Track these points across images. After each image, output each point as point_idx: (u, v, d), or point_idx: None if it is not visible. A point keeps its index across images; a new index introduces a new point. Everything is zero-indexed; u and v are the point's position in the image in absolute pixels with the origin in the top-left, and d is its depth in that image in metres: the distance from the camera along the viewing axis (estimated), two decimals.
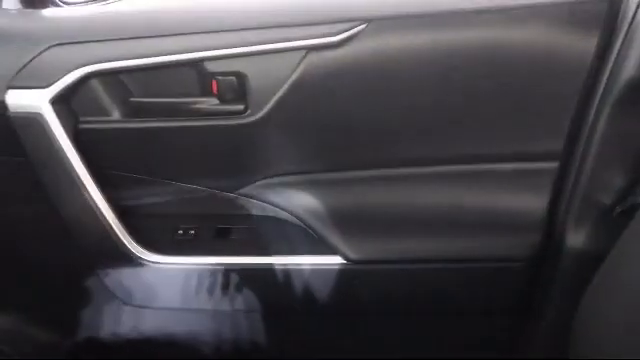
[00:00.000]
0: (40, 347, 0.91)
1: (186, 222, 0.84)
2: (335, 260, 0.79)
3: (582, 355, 0.70)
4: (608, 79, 0.72)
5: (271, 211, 0.84)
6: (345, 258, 0.79)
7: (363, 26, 0.72)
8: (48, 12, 0.85)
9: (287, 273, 0.80)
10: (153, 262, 0.79)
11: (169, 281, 0.81)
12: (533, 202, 0.80)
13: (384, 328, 0.85)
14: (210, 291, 0.82)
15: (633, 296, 0.61)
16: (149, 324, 0.90)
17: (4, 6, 0.86)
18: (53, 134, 0.74)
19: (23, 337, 0.90)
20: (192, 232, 0.83)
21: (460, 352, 0.88)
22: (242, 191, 0.84)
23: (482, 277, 0.81)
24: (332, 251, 0.80)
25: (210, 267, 0.80)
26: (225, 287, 0.81)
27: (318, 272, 0.80)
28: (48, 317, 0.93)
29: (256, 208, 0.84)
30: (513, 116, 0.77)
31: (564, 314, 0.74)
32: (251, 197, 0.85)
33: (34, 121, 0.73)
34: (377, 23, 0.72)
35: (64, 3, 0.89)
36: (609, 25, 0.72)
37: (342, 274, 0.79)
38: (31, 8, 0.86)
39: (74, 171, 0.75)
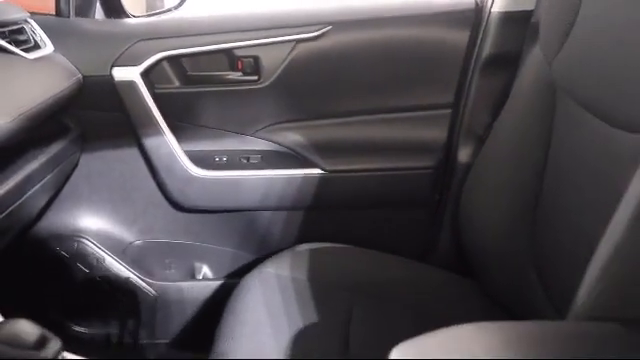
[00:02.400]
0: None
1: (220, 154, 1.30)
2: (316, 171, 1.26)
3: (467, 228, 1.15)
4: (477, 55, 1.20)
5: (274, 146, 1.31)
6: (322, 169, 1.26)
7: (329, 27, 1.19)
8: (128, 20, 1.31)
9: (286, 180, 1.27)
10: (202, 176, 1.26)
11: (213, 188, 1.27)
12: (437, 134, 1.26)
13: (347, 216, 1.32)
14: (235, 194, 1.28)
15: (490, 190, 1.07)
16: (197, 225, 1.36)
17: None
18: (142, 94, 1.19)
19: None
20: (225, 159, 1.29)
21: (395, 232, 1.34)
22: (256, 134, 1.30)
23: (406, 181, 1.27)
24: (314, 166, 1.27)
25: (236, 178, 1.27)
26: (246, 191, 1.27)
27: (305, 179, 1.26)
28: None
29: (265, 144, 1.31)
30: (422, 82, 1.24)
31: (457, 205, 1.21)
32: (261, 137, 1.31)
33: (130, 86, 1.19)
34: (337, 25, 1.19)
35: (133, 16, 1.36)
36: (476, 22, 1.19)
37: (320, 180, 1.26)
38: (113, 18, 1.33)
39: (154, 118, 1.21)
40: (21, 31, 1.10)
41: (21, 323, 0.59)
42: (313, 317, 0.98)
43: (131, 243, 1.36)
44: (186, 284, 1.34)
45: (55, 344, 0.58)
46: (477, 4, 1.20)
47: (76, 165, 1.25)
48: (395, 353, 0.54)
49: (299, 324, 0.96)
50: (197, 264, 1.38)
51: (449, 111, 1.26)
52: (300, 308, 1.00)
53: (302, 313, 0.98)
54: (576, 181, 0.84)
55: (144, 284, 1.32)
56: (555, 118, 0.92)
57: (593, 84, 0.81)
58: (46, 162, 1.06)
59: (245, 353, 0.90)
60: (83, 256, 1.30)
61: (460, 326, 0.56)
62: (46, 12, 1.24)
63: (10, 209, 0.96)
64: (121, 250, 1.34)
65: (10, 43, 1.03)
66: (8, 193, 0.94)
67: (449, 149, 1.26)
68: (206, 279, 1.37)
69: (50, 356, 0.56)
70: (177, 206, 1.32)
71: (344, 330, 0.96)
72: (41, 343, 0.57)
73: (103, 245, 1.31)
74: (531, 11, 1.11)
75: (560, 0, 0.91)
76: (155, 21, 1.31)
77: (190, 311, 1.33)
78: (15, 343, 0.55)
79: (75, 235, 1.30)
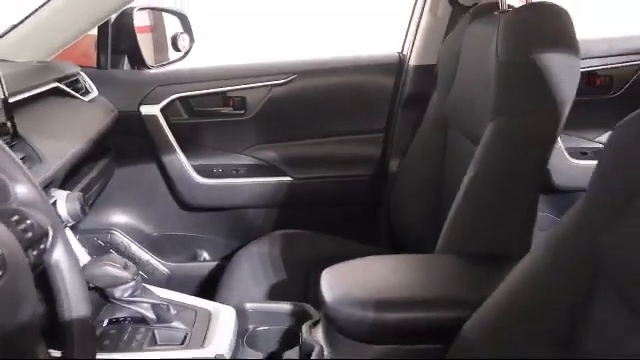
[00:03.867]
0: None
1: (217, 167, 1.76)
2: (287, 178, 1.74)
3: (396, 216, 1.63)
4: (400, 94, 1.69)
5: (256, 160, 1.78)
6: (291, 177, 1.73)
7: (294, 76, 1.68)
8: (149, 71, 1.79)
9: (265, 185, 1.74)
10: (204, 183, 1.73)
11: (212, 192, 1.74)
12: (374, 151, 1.75)
13: (309, 210, 1.78)
14: (228, 196, 1.75)
15: (410, 189, 1.54)
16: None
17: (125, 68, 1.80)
18: (161, 125, 1.66)
19: None
20: (221, 170, 1.75)
21: (345, 222, 1.80)
22: (243, 152, 1.77)
23: (352, 185, 1.75)
24: (285, 175, 1.74)
25: (229, 184, 1.74)
26: (236, 193, 1.74)
27: (279, 184, 1.74)
28: None
29: (249, 159, 1.78)
30: (361, 113, 1.73)
31: (389, 202, 1.68)
32: (247, 154, 1.78)
33: (153, 119, 1.66)
34: (300, 74, 1.68)
35: (150, 66, 1.83)
36: (399, 71, 1.68)
37: (290, 185, 1.74)
38: (137, 67, 1.80)
39: (170, 141, 1.68)
40: (77, 80, 1.56)
41: (107, 258, 1.04)
42: (283, 276, 1.44)
43: (150, 234, 1.82)
44: (191, 264, 1.80)
45: (133, 267, 1.03)
46: (400, 58, 1.70)
47: (111, 176, 1.71)
48: (324, 274, 1.01)
49: (272, 280, 1.42)
50: (199, 250, 1.84)
51: (382, 135, 1.74)
52: (274, 271, 1.46)
53: (275, 274, 1.44)
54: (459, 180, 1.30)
55: (159, 265, 1.77)
56: (447, 141, 1.40)
57: (464, 115, 1.29)
58: (97, 174, 1.52)
59: (236, 297, 1.35)
60: (115, 244, 1.75)
61: (368, 257, 1.03)
62: (91, 65, 1.71)
63: None
64: (143, 239, 1.79)
65: (71, 89, 1.50)
66: None
67: (382, 161, 1.75)
68: (206, 261, 1.82)
69: (131, 275, 1.01)
70: (185, 206, 1.78)
71: (304, 284, 1.42)
72: (125, 267, 1.02)
73: (129, 235, 1.76)
74: (435, 65, 1.60)
75: (447, 55, 1.40)
76: (169, 71, 1.79)
77: (194, 284, 1.78)
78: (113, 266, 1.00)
79: (109, 228, 1.76)
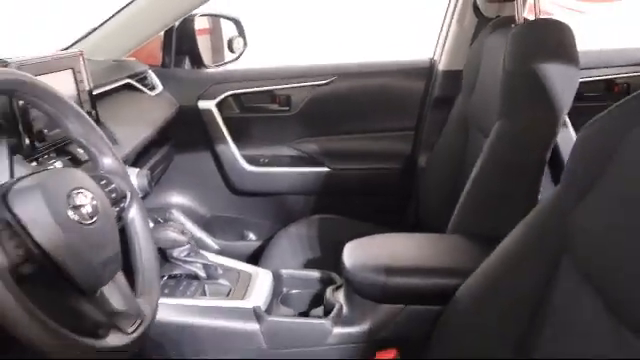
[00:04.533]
0: None
1: (264, 157, 1.97)
2: (325, 168, 1.94)
3: (424, 205, 1.80)
4: (429, 96, 1.86)
5: (298, 152, 1.98)
6: (329, 167, 1.93)
7: (335, 77, 1.87)
8: (207, 70, 2.02)
9: (305, 174, 1.94)
10: (252, 171, 1.95)
11: (258, 179, 1.96)
12: (404, 147, 1.92)
13: (344, 198, 1.97)
14: (272, 183, 1.96)
15: (436, 181, 1.71)
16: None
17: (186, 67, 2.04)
18: (216, 118, 1.89)
19: None
20: (267, 160, 1.96)
21: (376, 209, 1.99)
22: (286, 144, 1.98)
23: (385, 177, 1.93)
24: (324, 165, 1.94)
25: (274, 172, 1.95)
26: (279, 181, 1.95)
27: (318, 173, 1.94)
28: None
29: (292, 151, 1.98)
30: (395, 113, 1.91)
31: (417, 193, 1.86)
32: (290, 146, 1.98)
33: (209, 113, 1.89)
34: (340, 76, 1.87)
35: (207, 65, 2.06)
36: (429, 75, 1.86)
37: (327, 174, 1.94)
38: (196, 67, 2.04)
39: (223, 133, 1.90)
40: (145, 77, 1.80)
41: (168, 225, 1.26)
42: (316, 252, 1.64)
43: (203, 215, 2.05)
44: (238, 243, 2.02)
45: (189, 233, 1.25)
46: (431, 63, 1.87)
47: (171, 161, 1.95)
48: (347, 246, 1.20)
49: (307, 255, 1.62)
50: (245, 231, 2.06)
51: (412, 132, 1.92)
52: (309, 248, 1.66)
53: (309, 250, 1.64)
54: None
55: (210, 242, 1.99)
56: (468, 139, 1.57)
57: (481, 117, 1.46)
58: (160, 158, 1.76)
59: (274, 266, 1.55)
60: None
61: (385, 234, 1.22)
62: (156, 64, 1.95)
63: None
64: (196, 219, 2.02)
65: (141, 85, 1.74)
66: None
67: (412, 157, 1.92)
68: (251, 240, 2.04)
69: (187, 239, 1.23)
70: (234, 191, 2.01)
71: (333, 258, 1.61)
72: (182, 232, 1.24)
73: (185, 215, 2.00)
74: (461, 70, 1.76)
75: (471, 62, 1.56)
76: (224, 71, 2.01)
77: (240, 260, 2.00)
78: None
79: (167, 208, 2.00)
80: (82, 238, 0.74)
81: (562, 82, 1.21)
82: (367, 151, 1.95)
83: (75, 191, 0.77)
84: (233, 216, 2.07)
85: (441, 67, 1.83)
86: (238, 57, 2.09)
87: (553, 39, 1.25)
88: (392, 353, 1.08)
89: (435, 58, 1.88)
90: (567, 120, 1.62)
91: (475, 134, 1.51)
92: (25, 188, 0.72)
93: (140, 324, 0.82)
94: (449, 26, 1.80)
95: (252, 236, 2.06)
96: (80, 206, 0.76)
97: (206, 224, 2.03)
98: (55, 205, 0.72)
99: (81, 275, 0.74)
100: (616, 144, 0.70)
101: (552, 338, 0.78)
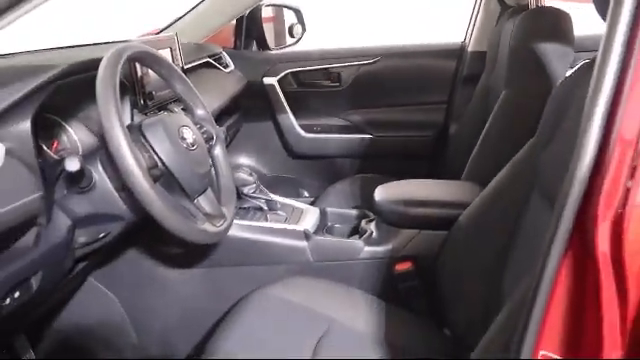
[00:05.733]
0: None
1: (317, 125, 2.32)
2: (368, 135, 2.27)
3: (452, 165, 2.11)
4: (459, 74, 2.16)
5: (346, 122, 2.31)
6: (371, 135, 2.27)
7: (379, 58, 2.20)
8: (270, 52, 2.38)
9: (351, 140, 2.28)
10: (307, 137, 2.31)
11: (312, 144, 2.32)
12: (437, 118, 2.23)
13: (385, 159, 2.30)
14: (324, 147, 2.31)
15: (464, 145, 2.02)
16: None
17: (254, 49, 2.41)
18: (278, 92, 2.25)
19: None
20: (319, 128, 2.32)
21: (412, 168, 2.31)
22: (336, 114, 2.32)
23: (419, 143, 2.24)
24: (368, 132, 2.28)
25: (325, 138, 2.30)
26: (330, 146, 2.30)
27: (362, 139, 2.27)
28: None
29: (341, 121, 2.32)
30: (429, 88, 2.22)
31: (446, 157, 2.16)
32: (339, 117, 2.32)
33: (272, 88, 2.25)
34: (384, 56, 2.20)
35: (272, 48, 2.42)
36: (459, 56, 2.16)
37: (370, 140, 2.27)
38: (262, 49, 2.40)
39: (283, 105, 2.27)
40: (220, 57, 2.18)
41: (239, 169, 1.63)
42: (357, 200, 1.97)
43: (265, 175, 2.43)
44: (293, 200, 2.37)
45: (255, 175, 1.62)
46: (461, 46, 2.17)
47: (240, 128, 2.32)
48: (378, 187, 1.54)
49: (349, 201, 1.95)
50: (300, 189, 2.42)
51: (445, 105, 2.23)
52: (351, 197, 1.99)
53: (352, 198, 1.98)
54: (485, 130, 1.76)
55: (272, 197, 2.36)
56: (487, 103, 1.86)
57: (497, 88, 1.75)
58: (231, 123, 2.13)
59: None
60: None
61: (410, 179, 1.55)
62: (229, 47, 2.33)
63: None
64: (259, 178, 2.39)
65: (217, 64, 2.11)
66: None
67: (444, 126, 2.23)
68: (304, 197, 2.40)
69: (253, 179, 1.60)
70: (292, 154, 2.38)
71: (371, 203, 1.94)
72: (250, 174, 1.61)
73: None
74: (486, 51, 2.05)
75: (492, 44, 1.86)
76: (284, 52, 2.37)
77: None
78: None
79: (236, 166, 2.37)
80: (187, 158, 1.10)
81: (557, 58, 1.50)
82: (405, 121, 2.26)
83: (183, 127, 1.13)
84: (290, 176, 2.43)
85: (470, 49, 2.13)
86: (297, 41, 2.44)
87: (551, 23, 1.53)
88: (408, 264, 1.41)
89: (465, 41, 2.17)
90: None
91: (493, 104, 1.81)
92: (152, 122, 1.09)
93: (224, 222, 1.18)
94: (477, 13, 2.10)
95: (306, 193, 2.42)
96: (185, 138, 1.12)
97: (267, 182, 2.40)
98: (170, 134, 1.08)
99: (186, 182, 1.10)
100: (569, 103, 0.96)
101: (522, 245, 1.04)
